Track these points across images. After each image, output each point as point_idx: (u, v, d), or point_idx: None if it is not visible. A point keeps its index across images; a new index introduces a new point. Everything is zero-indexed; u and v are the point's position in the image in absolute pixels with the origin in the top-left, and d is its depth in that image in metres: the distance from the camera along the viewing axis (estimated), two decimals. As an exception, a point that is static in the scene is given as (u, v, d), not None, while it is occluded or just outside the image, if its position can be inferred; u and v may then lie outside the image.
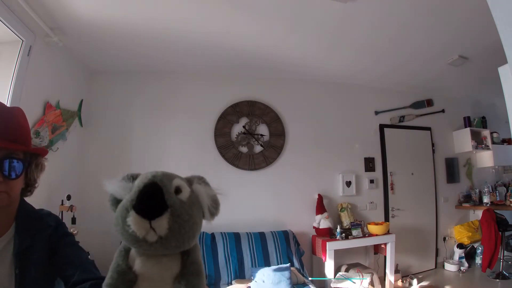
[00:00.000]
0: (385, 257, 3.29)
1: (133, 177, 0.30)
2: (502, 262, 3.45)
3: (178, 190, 0.28)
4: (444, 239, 4.01)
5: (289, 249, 2.94)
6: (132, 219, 0.26)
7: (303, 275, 2.76)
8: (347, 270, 3.08)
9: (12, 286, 0.73)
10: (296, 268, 2.82)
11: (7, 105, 0.77)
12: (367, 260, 3.57)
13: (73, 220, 2.43)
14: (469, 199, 4.18)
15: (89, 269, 0.79)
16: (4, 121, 0.74)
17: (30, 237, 0.79)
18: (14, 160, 0.72)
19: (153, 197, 0.26)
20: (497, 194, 4.03)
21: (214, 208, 0.32)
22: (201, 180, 0.31)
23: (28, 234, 0.79)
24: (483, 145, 4.20)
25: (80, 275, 0.76)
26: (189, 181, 0.31)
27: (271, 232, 3.02)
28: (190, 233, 0.28)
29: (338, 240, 3.04)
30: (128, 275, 0.29)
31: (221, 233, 2.90)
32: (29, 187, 0.83)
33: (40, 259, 0.79)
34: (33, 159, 0.81)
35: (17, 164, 0.73)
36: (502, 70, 1.90)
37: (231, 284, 2.61)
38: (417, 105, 4.13)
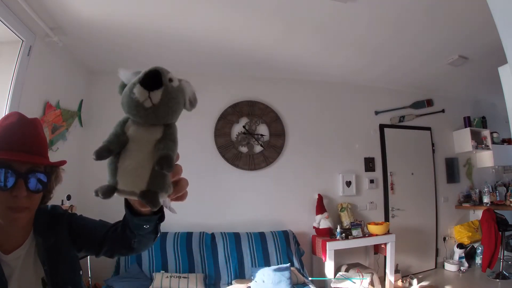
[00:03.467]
0: (385, 257, 3.29)
1: (136, 72, 0.41)
2: (502, 262, 3.45)
3: (170, 80, 0.39)
4: (444, 239, 4.01)
5: (289, 249, 2.94)
6: (137, 89, 0.37)
7: (303, 275, 2.76)
8: (347, 270, 3.08)
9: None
10: (296, 268, 2.82)
11: (25, 115, 0.75)
12: (367, 260, 3.57)
13: (73, 220, 2.42)
14: (469, 199, 4.18)
15: (105, 224, 0.86)
16: (28, 135, 0.72)
17: (52, 233, 0.79)
18: (38, 174, 0.71)
19: (153, 77, 0.37)
20: (497, 194, 4.03)
21: (194, 100, 0.44)
22: (188, 82, 0.43)
23: (50, 231, 0.79)
24: (483, 145, 4.20)
25: (103, 231, 0.82)
26: (180, 80, 0.42)
27: (271, 232, 3.02)
28: (174, 107, 0.39)
29: (338, 240, 3.04)
30: (122, 137, 0.40)
31: (221, 233, 2.90)
32: (45, 198, 0.82)
33: (66, 249, 0.81)
34: (53, 171, 0.81)
35: (41, 178, 0.72)
36: (502, 70, 1.90)
37: (231, 284, 2.61)
38: (417, 105, 4.13)
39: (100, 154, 0.41)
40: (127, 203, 0.59)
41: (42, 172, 0.72)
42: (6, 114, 0.74)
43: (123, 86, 0.42)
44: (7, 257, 0.70)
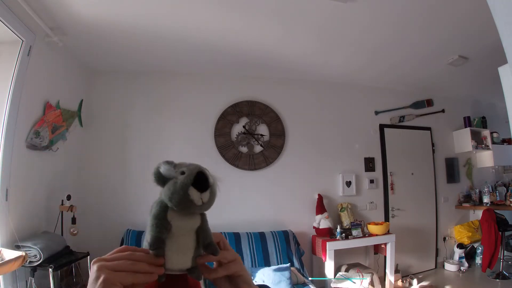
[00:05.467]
0: (385, 257, 3.29)
1: (170, 163, 0.47)
2: (502, 262, 3.45)
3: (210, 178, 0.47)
4: (444, 239, 4.02)
5: (289, 249, 2.94)
6: (192, 191, 0.44)
7: (303, 275, 2.76)
8: (347, 270, 3.08)
9: None
10: (296, 268, 2.82)
11: None
12: (367, 260, 3.57)
13: (73, 220, 2.42)
14: (469, 199, 4.18)
15: None
16: None
17: None
18: None
19: (203, 180, 0.45)
20: (497, 194, 4.03)
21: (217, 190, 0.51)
22: (215, 177, 0.49)
23: None
24: (483, 145, 4.20)
25: None
26: (212, 176, 0.49)
27: (271, 232, 3.02)
28: (214, 201, 0.48)
29: (338, 240, 3.04)
30: (168, 226, 0.46)
31: (221, 233, 2.90)
32: None
33: None
34: None
35: None
36: (502, 70, 1.90)
37: (231, 284, 2.61)
38: (417, 105, 4.13)
39: (159, 246, 0.45)
40: None
41: None
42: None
43: (159, 174, 0.47)
44: None
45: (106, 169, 3.00)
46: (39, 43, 2.22)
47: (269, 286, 0.67)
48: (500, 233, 3.44)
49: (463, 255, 3.85)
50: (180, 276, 0.49)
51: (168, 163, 0.47)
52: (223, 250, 0.52)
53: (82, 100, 2.90)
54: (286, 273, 2.54)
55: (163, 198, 0.46)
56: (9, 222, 1.94)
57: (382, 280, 3.17)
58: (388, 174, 3.82)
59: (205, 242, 0.49)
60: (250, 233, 2.95)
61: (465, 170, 4.33)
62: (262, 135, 3.39)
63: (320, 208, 3.30)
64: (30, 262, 1.91)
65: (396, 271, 3.32)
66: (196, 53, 2.88)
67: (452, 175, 4.20)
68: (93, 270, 0.41)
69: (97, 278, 0.40)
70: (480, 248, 3.79)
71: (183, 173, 0.45)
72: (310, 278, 2.81)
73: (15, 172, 2.05)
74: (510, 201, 3.87)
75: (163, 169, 0.46)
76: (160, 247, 0.44)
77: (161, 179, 0.47)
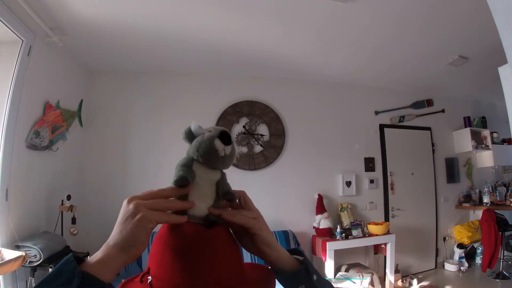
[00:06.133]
0: (385, 257, 3.29)
1: (201, 127, 0.54)
2: (502, 262, 3.44)
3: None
4: (444, 239, 4.01)
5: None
6: (217, 142, 0.50)
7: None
8: (347, 270, 3.08)
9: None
10: (296, 268, 2.82)
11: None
12: (367, 260, 3.57)
13: (73, 220, 2.42)
14: (469, 199, 4.18)
15: None
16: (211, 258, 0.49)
17: None
18: None
19: (227, 136, 0.51)
20: (497, 194, 4.03)
21: (238, 157, 0.58)
22: (235, 143, 0.56)
23: None
24: (483, 145, 4.20)
25: None
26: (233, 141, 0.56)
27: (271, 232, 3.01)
28: (234, 159, 0.54)
29: (338, 240, 3.04)
30: (192, 172, 0.50)
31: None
32: None
33: None
34: None
35: None
36: (502, 70, 1.90)
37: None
38: (417, 105, 4.13)
39: (183, 180, 0.48)
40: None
41: None
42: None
43: (190, 133, 0.53)
44: None
45: (106, 169, 3.00)
46: (39, 43, 2.22)
47: (302, 250, 0.63)
48: (500, 233, 3.44)
49: (463, 255, 3.84)
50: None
51: (198, 126, 0.54)
52: (244, 207, 0.55)
53: (82, 100, 2.90)
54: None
55: (190, 154, 0.52)
56: (9, 222, 1.94)
57: (382, 280, 3.17)
58: (388, 174, 3.82)
59: (224, 190, 0.53)
60: (250, 233, 2.95)
61: (465, 170, 4.33)
62: (262, 135, 3.39)
63: (320, 208, 3.30)
64: (30, 262, 1.91)
65: (396, 271, 3.31)
66: (196, 53, 2.88)
67: (452, 175, 4.20)
68: (128, 207, 0.42)
69: (133, 214, 0.41)
70: (480, 248, 3.79)
71: (210, 132, 0.52)
72: (310, 278, 2.81)
73: (15, 172, 2.05)
74: (510, 201, 3.87)
75: (193, 127, 0.53)
76: (185, 185, 0.49)
77: (190, 136, 0.53)
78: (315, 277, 0.56)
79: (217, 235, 0.50)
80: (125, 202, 0.43)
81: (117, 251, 0.41)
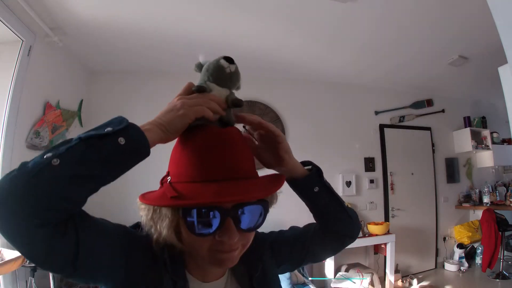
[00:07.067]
0: (385, 257, 3.29)
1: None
2: (502, 262, 3.44)
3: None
4: (444, 239, 4.02)
5: (289, 249, 2.94)
6: (223, 61, 0.58)
7: (303, 275, 2.76)
8: (347, 270, 3.08)
9: None
10: (296, 268, 2.82)
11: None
12: (367, 260, 3.57)
13: (73, 220, 2.42)
14: (469, 199, 4.18)
15: (297, 229, 0.86)
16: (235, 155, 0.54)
17: (259, 262, 0.68)
18: (251, 206, 0.52)
19: (230, 58, 0.59)
20: (497, 194, 4.03)
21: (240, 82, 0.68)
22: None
23: (256, 261, 0.67)
24: (483, 145, 4.20)
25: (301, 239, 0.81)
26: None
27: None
28: (239, 78, 0.64)
29: (338, 240, 3.04)
30: (206, 86, 0.58)
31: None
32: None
33: (273, 273, 0.72)
34: None
35: (256, 210, 0.54)
36: (502, 70, 1.90)
37: (231, 284, 2.61)
38: (417, 105, 4.13)
39: (201, 88, 0.57)
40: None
41: (256, 203, 0.52)
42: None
43: (200, 65, 0.63)
44: (206, 285, 0.60)
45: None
46: (39, 43, 2.22)
47: (313, 162, 0.74)
48: (500, 233, 3.44)
49: (463, 255, 3.85)
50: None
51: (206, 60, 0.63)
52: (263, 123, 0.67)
53: (82, 100, 2.90)
54: (286, 273, 2.54)
55: (202, 78, 0.60)
56: (9, 222, 1.94)
57: (382, 280, 3.17)
58: (388, 174, 3.82)
59: (232, 98, 0.62)
60: (250, 233, 2.95)
61: (465, 170, 4.33)
62: (262, 135, 3.39)
63: (320, 208, 3.30)
64: (30, 262, 1.91)
65: (396, 271, 3.31)
66: (196, 53, 2.88)
67: (452, 175, 4.20)
68: (176, 103, 0.52)
69: (178, 109, 0.51)
70: (480, 248, 3.79)
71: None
72: (310, 278, 2.81)
73: (15, 172, 2.05)
74: (510, 201, 3.87)
75: (202, 59, 0.64)
76: (204, 90, 0.58)
77: (200, 66, 0.62)
78: (325, 178, 0.70)
79: (232, 131, 0.58)
80: (175, 98, 0.55)
81: (158, 129, 0.50)
